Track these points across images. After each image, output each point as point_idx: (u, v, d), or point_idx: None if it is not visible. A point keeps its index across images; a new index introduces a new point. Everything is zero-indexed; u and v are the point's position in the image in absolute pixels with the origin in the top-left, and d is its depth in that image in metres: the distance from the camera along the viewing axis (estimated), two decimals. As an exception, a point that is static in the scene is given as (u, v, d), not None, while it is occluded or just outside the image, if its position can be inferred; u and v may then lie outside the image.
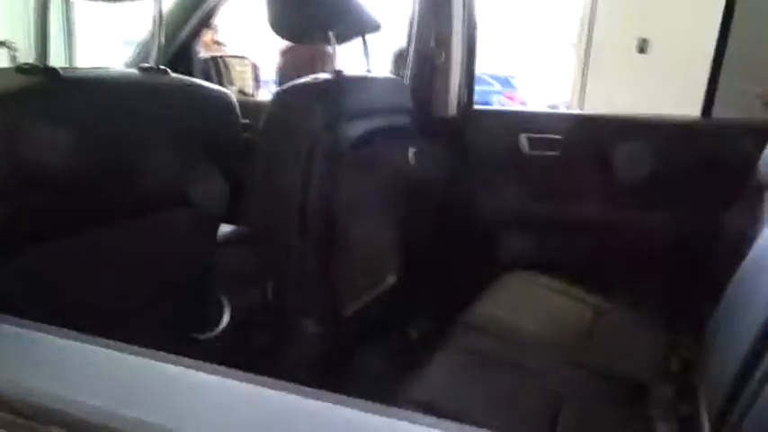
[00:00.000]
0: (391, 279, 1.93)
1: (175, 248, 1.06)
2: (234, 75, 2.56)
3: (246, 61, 2.62)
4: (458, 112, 2.00)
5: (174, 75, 1.05)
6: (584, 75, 5.18)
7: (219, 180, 1.09)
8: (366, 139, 1.59)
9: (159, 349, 1.11)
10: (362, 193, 1.66)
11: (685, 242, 1.73)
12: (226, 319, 1.25)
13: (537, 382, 1.25)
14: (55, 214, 0.79)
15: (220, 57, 2.51)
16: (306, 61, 2.90)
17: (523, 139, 1.95)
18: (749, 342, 0.91)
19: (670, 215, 1.80)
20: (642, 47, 4.73)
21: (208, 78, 2.47)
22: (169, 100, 0.99)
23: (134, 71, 1.01)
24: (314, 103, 1.43)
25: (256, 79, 2.61)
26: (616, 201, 1.86)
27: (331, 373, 1.69)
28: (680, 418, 1.18)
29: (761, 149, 1.53)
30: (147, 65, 1.02)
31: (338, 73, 1.55)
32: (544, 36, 5.91)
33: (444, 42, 1.92)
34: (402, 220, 1.91)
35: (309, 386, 1.70)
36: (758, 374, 0.85)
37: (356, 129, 1.54)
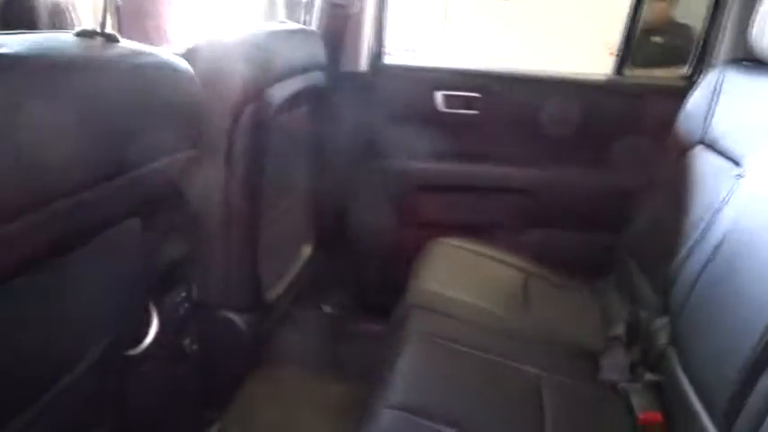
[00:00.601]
0: (307, 250, 1.79)
1: (126, 266, 0.84)
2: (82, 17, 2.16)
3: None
4: (369, 66, 1.85)
5: (125, 42, 0.80)
6: (445, 19, 5.18)
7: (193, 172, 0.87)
8: (287, 103, 1.42)
9: (98, 380, 0.90)
10: (280, 162, 1.50)
11: (607, 202, 1.76)
12: (155, 327, 1.05)
13: (512, 366, 1.20)
14: None
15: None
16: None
17: (439, 97, 1.84)
18: (747, 320, 0.92)
19: (593, 174, 1.82)
20: (503, -7, 4.79)
21: (52, 25, 2.07)
22: (126, 76, 0.75)
23: (73, 38, 0.75)
24: (237, 67, 1.21)
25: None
26: (537, 161, 1.84)
27: (261, 361, 1.56)
28: (646, 384, 1.19)
29: (677, 110, 1.57)
30: (88, 29, 0.76)
31: (252, 26, 1.34)
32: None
33: (361, -12, 1.73)
34: (315, 185, 1.76)
35: (242, 379, 1.51)
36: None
37: (280, 92, 1.36)
